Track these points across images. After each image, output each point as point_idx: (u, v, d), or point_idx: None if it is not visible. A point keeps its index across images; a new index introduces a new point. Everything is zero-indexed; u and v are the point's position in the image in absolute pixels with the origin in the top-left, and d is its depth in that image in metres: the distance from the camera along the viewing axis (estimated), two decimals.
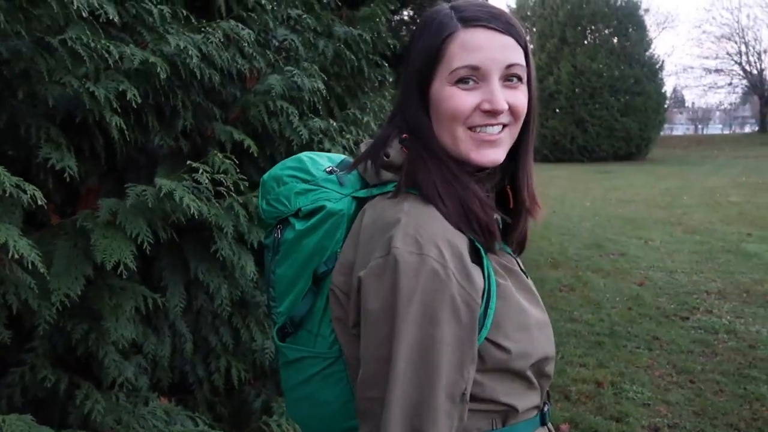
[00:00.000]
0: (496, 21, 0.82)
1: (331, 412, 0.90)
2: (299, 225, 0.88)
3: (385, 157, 0.85)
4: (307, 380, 0.91)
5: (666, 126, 32.80)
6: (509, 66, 0.82)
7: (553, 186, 14.01)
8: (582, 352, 3.89)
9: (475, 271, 0.77)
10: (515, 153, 0.88)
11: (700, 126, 58.39)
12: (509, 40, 0.82)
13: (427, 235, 0.75)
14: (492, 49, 0.81)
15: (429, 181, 0.81)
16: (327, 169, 0.93)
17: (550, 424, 0.93)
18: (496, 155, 0.83)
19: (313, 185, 0.90)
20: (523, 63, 0.84)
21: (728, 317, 4.52)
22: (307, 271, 0.88)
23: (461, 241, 0.78)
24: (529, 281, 0.91)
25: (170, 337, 2.00)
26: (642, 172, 17.99)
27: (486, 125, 0.82)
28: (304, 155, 0.98)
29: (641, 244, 7.34)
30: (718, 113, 62.00)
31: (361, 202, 0.87)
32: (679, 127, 56.31)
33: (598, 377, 3.48)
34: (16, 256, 1.12)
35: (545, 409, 0.90)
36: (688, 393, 3.28)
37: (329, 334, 0.87)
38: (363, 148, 0.93)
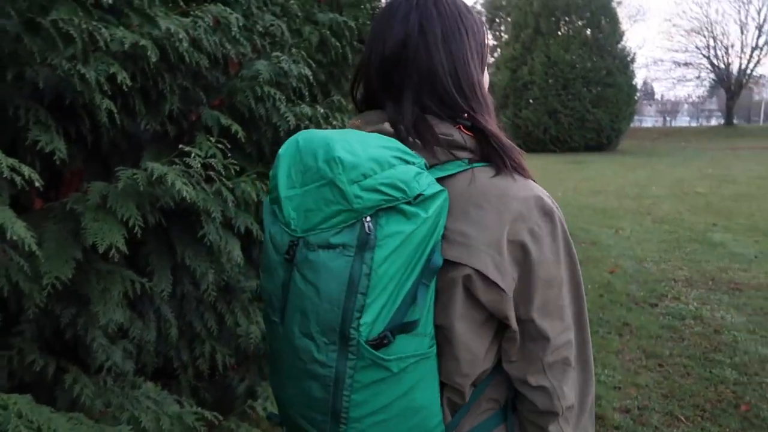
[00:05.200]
0: None
1: (425, 417, 0.83)
2: (423, 212, 0.76)
3: (449, 137, 0.86)
4: (410, 390, 0.80)
5: (636, 117, 33.37)
6: None
7: None
8: None
9: None
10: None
11: (668, 118, 59.68)
12: None
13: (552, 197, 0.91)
14: None
15: (522, 159, 0.93)
16: None
17: None
18: None
19: (420, 168, 0.80)
20: None
21: (695, 304, 4.68)
22: (409, 266, 0.77)
23: None
24: None
25: (155, 322, 2.00)
26: (612, 162, 18.30)
27: None
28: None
29: (612, 233, 7.50)
30: (686, 106, 63.44)
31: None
32: (648, 119, 57.46)
33: None
34: (14, 239, 1.11)
35: None
36: (656, 376, 3.40)
37: (430, 330, 0.81)
38: (387, 127, 0.87)
